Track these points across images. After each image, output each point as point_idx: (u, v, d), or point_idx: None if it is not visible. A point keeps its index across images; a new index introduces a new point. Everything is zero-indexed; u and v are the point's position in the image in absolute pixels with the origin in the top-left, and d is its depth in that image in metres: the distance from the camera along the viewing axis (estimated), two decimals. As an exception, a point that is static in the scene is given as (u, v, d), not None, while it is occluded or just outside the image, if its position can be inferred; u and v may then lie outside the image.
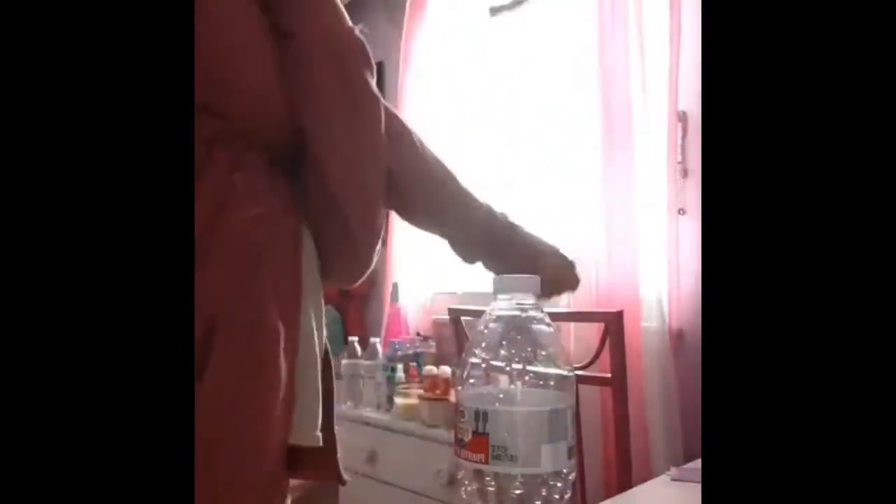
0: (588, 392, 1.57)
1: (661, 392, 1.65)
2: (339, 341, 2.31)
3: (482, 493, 0.42)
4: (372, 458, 1.89)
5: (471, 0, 2.27)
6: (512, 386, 0.43)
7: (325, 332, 0.71)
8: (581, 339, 1.73)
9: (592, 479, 1.61)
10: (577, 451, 1.29)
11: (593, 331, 1.56)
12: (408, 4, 2.35)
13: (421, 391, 1.90)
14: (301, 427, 0.63)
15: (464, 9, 2.28)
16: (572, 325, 1.76)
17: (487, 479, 0.41)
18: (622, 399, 1.31)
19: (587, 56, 1.80)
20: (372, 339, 2.18)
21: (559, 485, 0.42)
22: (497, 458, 0.40)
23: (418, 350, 2.14)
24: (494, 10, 2.25)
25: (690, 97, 1.68)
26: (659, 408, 1.64)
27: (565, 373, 0.44)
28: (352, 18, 0.66)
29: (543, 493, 0.41)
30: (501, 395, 0.42)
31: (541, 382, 0.43)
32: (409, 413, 1.89)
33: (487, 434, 0.40)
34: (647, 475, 1.45)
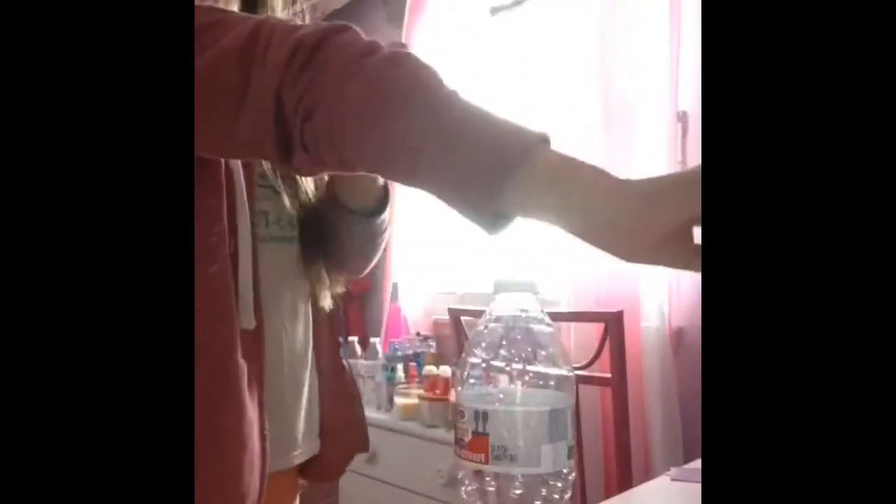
0: (588, 392, 1.57)
1: (661, 392, 1.65)
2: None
3: (482, 493, 0.42)
4: (372, 458, 1.89)
5: (471, 0, 2.27)
6: (512, 386, 0.43)
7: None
8: (581, 339, 1.73)
9: (592, 479, 1.61)
10: (577, 451, 1.30)
11: (593, 331, 1.56)
12: (408, 4, 2.35)
13: (421, 391, 1.90)
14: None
15: (464, 9, 2.28)
16: (572, 325, 1.76)
17: (487, 479, 0.41)
18: (622, 399, 1.31)
19: (587, 55, 1.80)
20: (372, 339, 2.18)
21: (559, 485, 0.42)
22: (497, 458, 0.40)
23: (418, 350, 2.14)
24: (494, 10, 2.25)
25: (690, 97, 1.68)
26: (659, 408, 1.64)
27: (565, 373, 0.44)
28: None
29: (543, 493, 0.41)
30: (501, 395, 0.42)
31: (541, 382, 0.43)
32: (409, 413, 1.89)
33: (487, 434, 0.40)
34: (647, 475, 1.45)
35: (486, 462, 0.40)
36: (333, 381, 0.78)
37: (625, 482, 1.29)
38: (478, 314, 1.46)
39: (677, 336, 1.71)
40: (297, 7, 0.74)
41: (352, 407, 0.81)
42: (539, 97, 2.09)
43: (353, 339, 2.22)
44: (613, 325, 1.30)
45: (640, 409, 1.63)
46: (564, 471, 0.42)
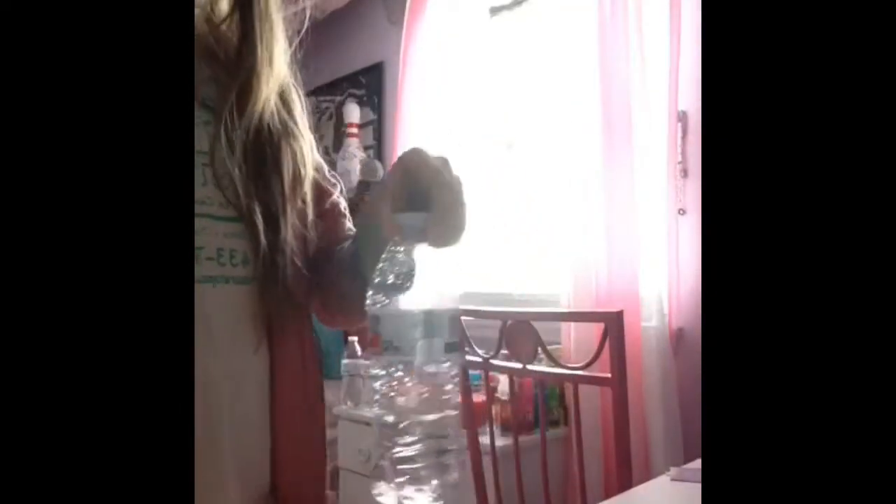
0: (588, 392, 1.57)
1: (661, 392, 1.65)
2: (339, 341, 2.31)
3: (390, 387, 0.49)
4: (372, 458, 1.89)
5: (471, 0, 2.27)
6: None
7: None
8: (581, 339, 1.73)
9: (592, 479, 1.61)
10: (577, 450, 1.30)
11: (593, 331, 1.56)
12: (408, 4, 2.35)
13: (421, 391, 1.90)
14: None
15: (464, 9, 2.28)
16: (572, 325, 1.76)
17: (391, 370, 0.49)
18: (622, 399, 1.31)
19: (587, 56, 1.80)
20: (372, 339, 2.18)
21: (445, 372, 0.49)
22: (386, 349, 0.49)
23: (418, 350, 2.13)
24: (494, 10, 2.25)
25: (690, 97, 1.68)
26: (659, 408, 1.65)
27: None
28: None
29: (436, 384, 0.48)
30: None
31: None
32: (409, 413, 1.88)
33: (380, 333, 0.50)
34: (647, 475, 1.45)
35: (380, 354, 0.49)
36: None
37: (625, 482, 1.29)
38: (478, 314, 1.46)
39: (677, 336, 1.71)
40: (298, 6, 0.73)
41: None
42: (538, 98, 2.09)
43: (353, 339, 2.22)
44: (613, 325, 1.30)
45: (640, 409, 1.63)
46: (444, 363, 0.49)
